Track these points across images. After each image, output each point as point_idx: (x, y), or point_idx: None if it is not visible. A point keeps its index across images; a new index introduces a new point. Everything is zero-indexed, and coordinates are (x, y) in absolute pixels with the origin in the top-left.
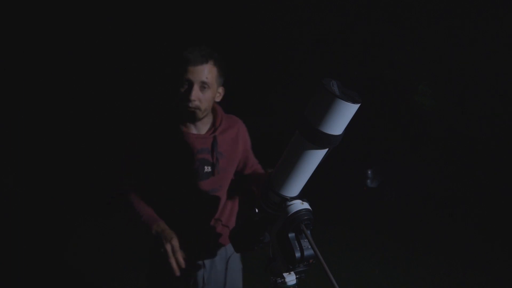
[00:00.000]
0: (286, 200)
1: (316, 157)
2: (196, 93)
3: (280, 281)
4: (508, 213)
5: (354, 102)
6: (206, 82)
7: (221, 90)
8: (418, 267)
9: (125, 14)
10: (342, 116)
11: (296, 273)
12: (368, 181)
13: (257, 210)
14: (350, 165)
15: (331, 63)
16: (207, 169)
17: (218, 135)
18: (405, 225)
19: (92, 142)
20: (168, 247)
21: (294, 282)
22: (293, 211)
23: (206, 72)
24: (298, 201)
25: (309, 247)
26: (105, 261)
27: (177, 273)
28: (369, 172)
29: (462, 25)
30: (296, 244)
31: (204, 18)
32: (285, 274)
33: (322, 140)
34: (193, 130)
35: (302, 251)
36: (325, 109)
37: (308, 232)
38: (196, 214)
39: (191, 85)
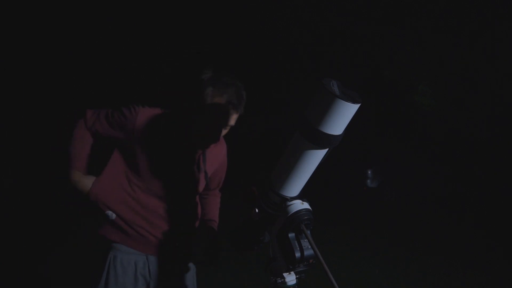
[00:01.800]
0: (286, 200)
1: (316, 157)
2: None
3: (280, 281)
4: (508, 213)
5: (354, 102)
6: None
7: None
8: (418, 267)
9: (125, 14)
10: (342, 116)
11: (296, 273)
12: (368, 181)
13: (257, 210)
14: (350, 165)
15: (331, 63)
16: (185, 178)
17: (208, 151)
18: (405, 225)
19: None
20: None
21: (294, 282)
22: (293, 211)
23: (236, 118)
24: (298, 201)
25: (309, 247)
26: None
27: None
28: (369, 172)
29: (462, 25)
30: (296, 244)
31: (204, 18)
32: (285, 274)
33: (322, 140)
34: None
35: (302, 251)
36: (325, 109)
37: (308, 232)
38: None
39: (220, 127)
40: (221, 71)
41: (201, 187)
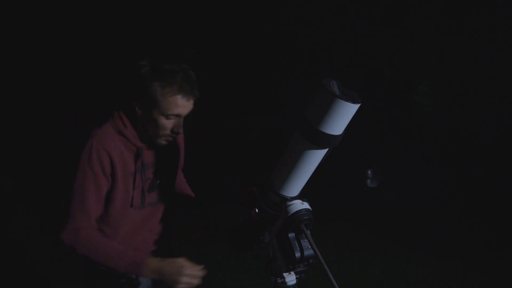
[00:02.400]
0: (286, 200)
1: (316, 157)
2: (182, 125)
3: (280, 281)
4: (508, 213)
5: (354, 102)
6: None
7: None
8: (418, 267)
9: (125, 14)
10: (342, 116)
11: (296, 273)
12: (368, 181)
13: (257, 210)
14: (350, 165)
15: (331, 63)
16: (155, 182)
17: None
18: (405, 225)
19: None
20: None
21: (294, 282)
22: (293, 211)
23: (193, 103)
24: (298, 201)
25: (309, 247)
26: None
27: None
28: (369, 172)
29: (462, 25)
30: (296, 244)
31: (204, 18)
32: (285, 274)
33: (322, 140)
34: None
35: (302, 251)
36: (325, 109)
37: (308, 232)
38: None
39: (178, 118)
40: (158, 59)
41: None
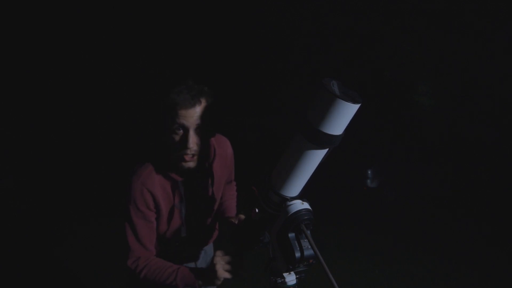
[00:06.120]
0: (286, 200)
1: (316, 157)
2: (193, 139)
3: (280, 281)
4: (508, 213)
5: (354, 102)
6: (201, 124)
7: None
8: (418, 267)
9: (125, 14)
10: (342, 116)
11: (296, 273)
12: (368, 181)
13: (257, 210)
14: (350, 165)
15: (331, 63)
16: (196, 213)
17: (214, 168)
18: (405, 225)
19: (91, 142)
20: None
21: (294, 282)
22: (293, 211)
23: (200, 113)
24: (298, 201)
25: (309, 247)
26: (103, 261)
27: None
28: (369, 172)
29: (462, 25)
30: (296, 244)
31: (204, 18)
32: (285, 274)
33: (322, 140)
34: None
35: (302, 251)
36: (325, 109)
37: (308, 232)
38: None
39: (186, 130)
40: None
41: (218, 196)
